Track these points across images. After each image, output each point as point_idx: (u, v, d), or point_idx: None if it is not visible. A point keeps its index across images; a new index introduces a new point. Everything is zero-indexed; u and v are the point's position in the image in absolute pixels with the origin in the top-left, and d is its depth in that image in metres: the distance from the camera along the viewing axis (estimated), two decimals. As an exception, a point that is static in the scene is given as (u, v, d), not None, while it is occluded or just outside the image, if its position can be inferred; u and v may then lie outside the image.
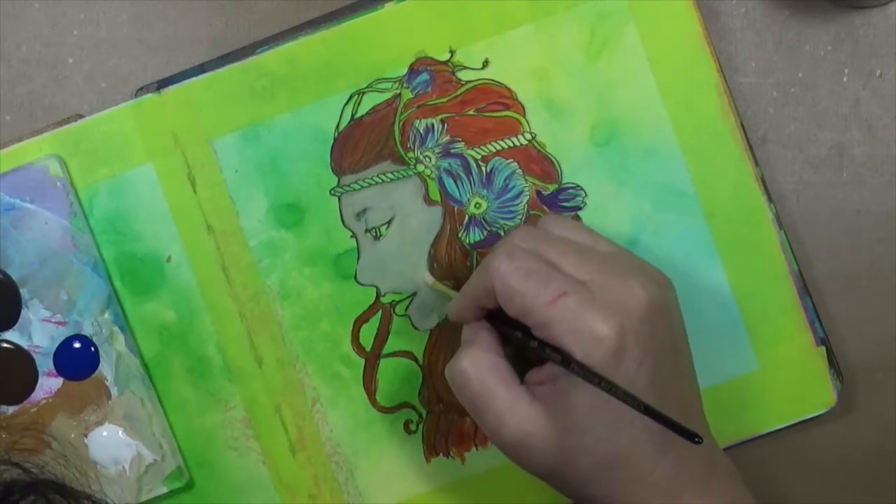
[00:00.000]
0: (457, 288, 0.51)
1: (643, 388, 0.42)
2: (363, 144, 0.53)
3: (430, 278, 0.53)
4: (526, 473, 0.53)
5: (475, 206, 0.53)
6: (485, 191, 0.53)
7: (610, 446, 0.43)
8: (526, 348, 0.45)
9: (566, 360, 0.42)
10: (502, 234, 0.53)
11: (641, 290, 0.43)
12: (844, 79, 0.54)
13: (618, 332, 0.42)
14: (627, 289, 0.43)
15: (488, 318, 0.47)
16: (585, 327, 0.42)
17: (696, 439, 0.39)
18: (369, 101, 0.53)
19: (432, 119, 0.53)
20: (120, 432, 0.53)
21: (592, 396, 0.42)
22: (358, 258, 0.53)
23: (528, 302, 0.43)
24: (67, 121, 0.53)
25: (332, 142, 0.53)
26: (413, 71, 0.53)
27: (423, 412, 0.54)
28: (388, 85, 0.53)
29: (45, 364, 0.53)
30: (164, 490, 0.53)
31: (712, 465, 0.45)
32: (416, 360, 0.54)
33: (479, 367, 0.45)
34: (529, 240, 0.45)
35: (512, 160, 0.53)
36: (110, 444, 0.53)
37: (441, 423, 0.54)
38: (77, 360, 0.53)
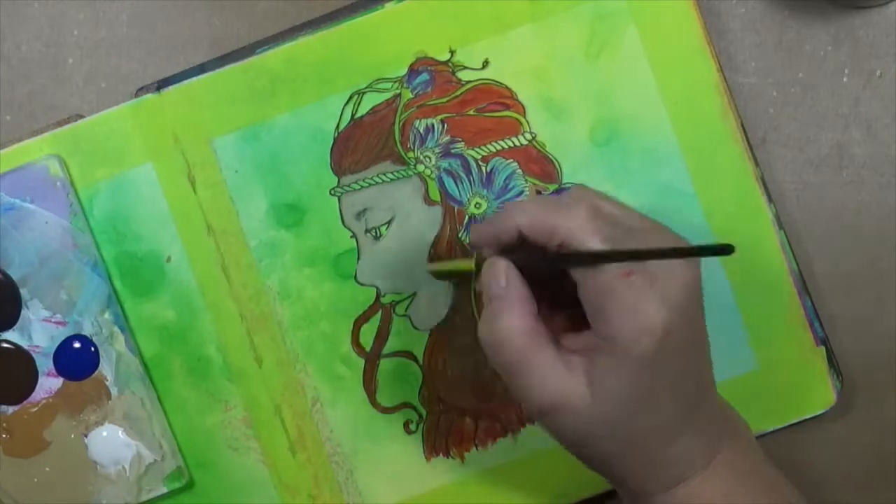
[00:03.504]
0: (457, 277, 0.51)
1: (678, 370, 0.43)
2: (363, 144, 0.53)
3: (429, 266, 0.53)
4: (524, 474, 0.54)
5: (475, 206, 0.53)
6: (485, 191, 0.53)
7: (634, 428, 0.43)
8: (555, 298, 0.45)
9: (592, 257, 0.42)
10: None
11: (685, 272, 0.42)
12: (844, 79, 0.54)
13: (668, 317, 0.41)
14: (676, 269, 0.42)
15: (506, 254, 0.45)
16: (642, 311, 0.41)
17: (730, 249, 0.38)
18: (369, 101, 0.53)
19: (432, 119, 0.53)
20: (120, 432, 0.53)
21: (628, 378, 0.42)
22: (358, 258, 0.53)
23: (601, 270, 0.42)
24: (67, 121, 0.53)
25: (332, 142, 0.53)
26: (413, 71, 0.53)
27: (423, 412, 0.54)
28: (388, 85, 0.53)
29: (45, 364, 0.53)
30: (164, 490, 0.53)
31: (722, 429, 0.45)
32: (416, 360, 0.54)
33: (519, 328, 0.43)
34: (595, 205, 0.44)
35: (512, 160, 0.53)
36: (110, 444, 0.53)
37: (441, 423, 0.54)
38: (77, 360, 0.53)
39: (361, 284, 0.54)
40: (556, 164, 0.53)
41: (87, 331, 0.53)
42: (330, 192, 0.53)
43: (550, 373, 0.43)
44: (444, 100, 0.53)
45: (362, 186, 0.53)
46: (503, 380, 0.44)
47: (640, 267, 0.42)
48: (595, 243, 0.42)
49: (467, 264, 0.47)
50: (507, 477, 0.53)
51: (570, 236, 0.42)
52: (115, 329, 0.53)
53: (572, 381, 0.43)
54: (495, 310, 0.44)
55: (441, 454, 0.54)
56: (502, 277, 0.44)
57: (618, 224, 0.43)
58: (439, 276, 0.53)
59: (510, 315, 0.43)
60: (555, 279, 0.44)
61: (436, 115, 0.53)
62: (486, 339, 0.44)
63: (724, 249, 0.38)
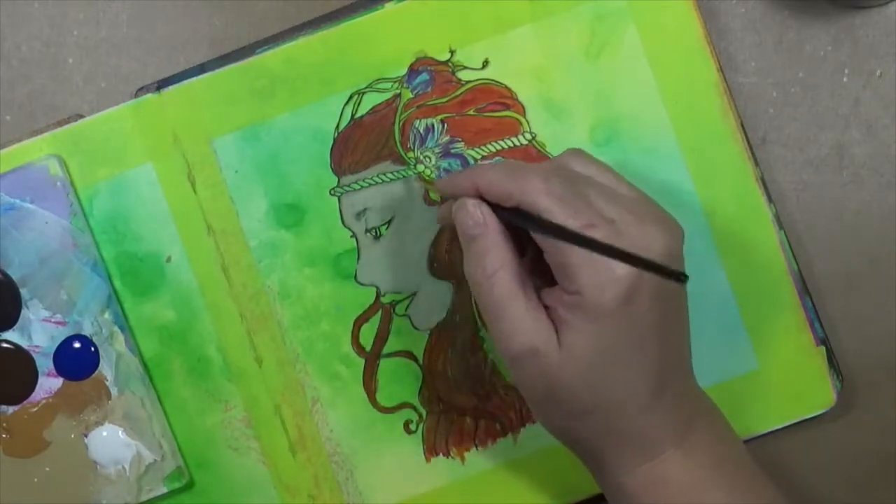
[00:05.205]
0: (457, 277, 0.51)
1: (647, 330, 0.43)
2: (363, 144, 0.53)
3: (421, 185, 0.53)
4: (524, 474, 0.53)
5: (475, 206, 0.53)
6: (485, 191, 0.53)
7: (601, 393, 0.43)
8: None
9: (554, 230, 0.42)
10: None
11: (661, 238, 0.43)
12: (844, 79, 0.54)
13: (635, 275, 0.42)
14: (649, 234, 0.43)
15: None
16: (604, 264, 0.42)
17: (683, 277, 0.40)
18: (369, 101, 0.53)
19: (432, 119, 0.53)
20: (120, 432, 0.53)
21: (594, 332, 0.43)
22: (358, 258, 0.53)
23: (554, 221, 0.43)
24: (67, 121, 0.53)
25: (331, 142, 0.53)
26: (413, 71, 0.53)
27: (423, 412, 0.54)
28: (388, 85, 0.53)
29: (45, 364, 0.53)
30: (164, 490, 0.53)
31: (694, 414, 0.46)
32: (416, 360, 0.54)
33: (507, 269, 0.44)
34: (561, 170, 0.45)
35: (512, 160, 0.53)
36: (110, 444, 0.53)
37: (441, 423, 0.54)
38: (77, 360, 0.53)
39: (361, 284, 0.54)
40: (556, 164, 0.53)
41: (87, 331, 0.53)
42: (330, 192, 0.53)
43: (526, 319, 0.44)
44: (444, 100, 0.53)
45: (362, 186, 0.53)
46: (485, 321, 0.45)
47: (601, 222, 0.42)
48: (544, 202, 0.43)
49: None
50: (507, 477, 0.53)
51: (524, 199, 0.43)
52: (115, 329, 0.53)
53: (544, 330, 0.43)
54: (481, 248, 0.44)
55: (441, 454, 0.54)
56: (477, 214, 0.45)
57: (585, 183, 0.44)
58: (437, 273, 0.53)
59: (501, 255, 0.44)
60: (527, 235, 0.45)
61: (436, 115, 0.53)
62: (473, 273, 0.44)
63: (675, 275, 0.40)
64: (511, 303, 0.44)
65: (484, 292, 0.44)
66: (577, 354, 0.43)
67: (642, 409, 0.44)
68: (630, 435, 0.44)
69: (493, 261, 0.44)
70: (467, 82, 0.53)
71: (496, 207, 0.45)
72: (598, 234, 0.42)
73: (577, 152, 0.47)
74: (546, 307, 0.44)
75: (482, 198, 0.45)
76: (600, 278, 0.42)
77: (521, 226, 0.44)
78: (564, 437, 0.46)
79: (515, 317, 0.44)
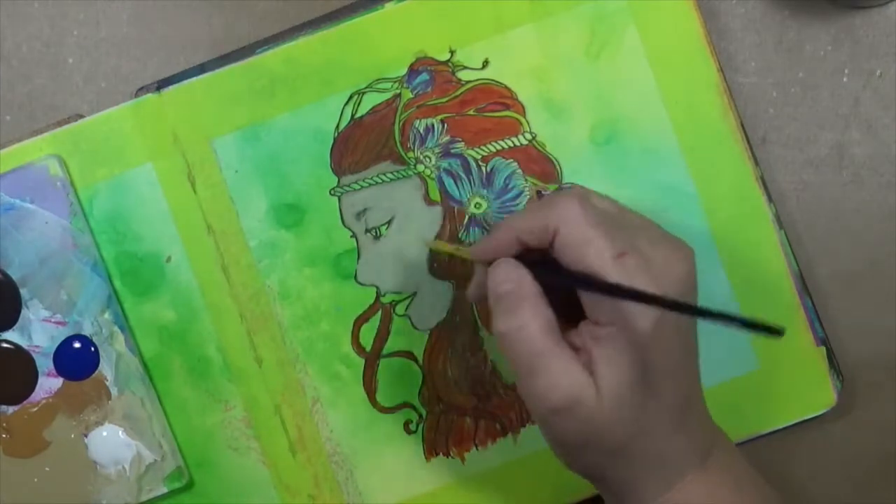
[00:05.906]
0: (457, 277, 0.51)
1: (675, 354, 0.43)
2: (363, 144, 0.53)
3: (431, 242, 0.52)
4: (524, 474, 0.53)
5: (475, 206, 0.53)
6: (485, 191, 0.53)
7: (636, 423, 0.43)
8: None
9: (648, 298, 0.41)
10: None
11: (681, 263, 0.43)
12: (844, 79, 0.54)
13: None
14: (670, 259, 0.43)
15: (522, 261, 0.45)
16: (639, 289, 0.41)
17: (779, 331, 0.38)
18: (369, 101, 0.53)
19: (432, 119, 0.53)
20: (120, 432, 0.53)
21: (630, 361, 0.42)
22: (358, 258, 0.53)
23: (591, 252, 0.42)
24: (67, 121, 0.53)
25: (331, 142, 0.53)
26: (413, 71, 0.53)
27: (423, 412, 0.54)
28: (388, 85, 0.53)
29: (45, 364, 0.53)
30: (164, 490, 0.53)
31: (711, 436, 0.45)
32: (415, 360, 0.54)
33: (538, 324, 0.43)
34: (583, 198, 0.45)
35: (512, 160, 0.53)
36: (110, 444, 0.53)
37: (441, 423, 0.54)
38: (77, 360, 0.53)
39: (361, 284, 0.54)
40: (556, 164, 0.53)
41: (87, 331, 0.53)
42: (330, 192, 0.53)
43: (563, 371, 0.42)
44: (444, 100, 0.53)
45: (362, 186, 0.53)
46: (515, 376, 0.43)
47: (632, 250, 0.42)
48: (587, 231, 0.42)
49: (468, 253, 0.47)
50: (507, 477, 0.53)
51: (562, 226, 0.42)
52: (115, 329, 0.53)
53: (582, 377, 0.42)
54: (513, 305, 0.43)
55: (441, 454, 0.54)
56: (514, 274, 0.44)
57: (607, 213, 0.44)
58: (437, 273, 0.53)
59: (531, 310, 0.43)
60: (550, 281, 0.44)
61: (436, 115, 0.53)
62: (505, 335, 0.43)
63: (771, 330, 0.39)
64: (546, 356, 0.43)
65: (515, 347, 0.43)
66: (613, 392, 0.42)
67: (669, 433, 0.43)
68: (656, 459, 0.44)
69: (524, 314, 0.43)
70: (467, 82, 0.53)
71: (530, 266, 0.44)
72: (630, 261, 0.42)
73: (583, 188, 0.46)
74: (576, 350, 0.43)
75: (516, 258, 0.44)
76: (634, 306, 0.41)
77: (554, 282, 0.43)
78: (591, 476, 0.45)
79: (552, 371, 0.42)
